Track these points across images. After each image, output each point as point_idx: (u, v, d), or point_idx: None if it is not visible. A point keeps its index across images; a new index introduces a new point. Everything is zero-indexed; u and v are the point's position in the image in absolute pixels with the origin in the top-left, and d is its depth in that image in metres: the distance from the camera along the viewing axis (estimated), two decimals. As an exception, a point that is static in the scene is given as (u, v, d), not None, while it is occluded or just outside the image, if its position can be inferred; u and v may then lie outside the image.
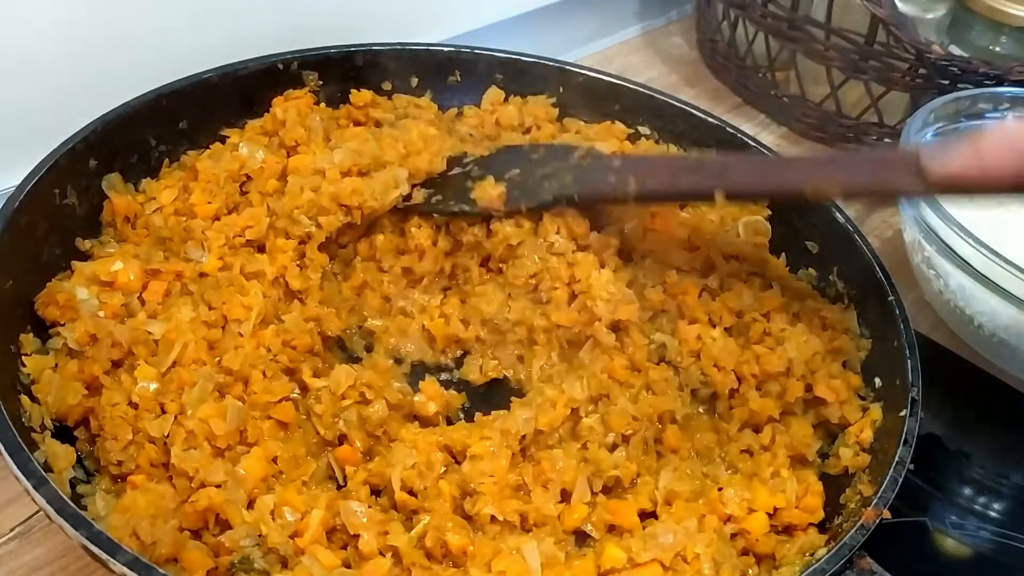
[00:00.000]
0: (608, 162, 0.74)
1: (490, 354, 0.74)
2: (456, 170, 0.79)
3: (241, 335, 0.64)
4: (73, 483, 0.57)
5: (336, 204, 0.72)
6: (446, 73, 0.88)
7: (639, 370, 0.70)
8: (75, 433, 0.60)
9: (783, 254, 0.79)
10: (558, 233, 0.73)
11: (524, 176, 0.76)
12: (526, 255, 0.73)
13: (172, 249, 0.69)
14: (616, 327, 0.71)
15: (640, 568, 0.55)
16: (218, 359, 0.63)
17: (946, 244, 0.75)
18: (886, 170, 0.63)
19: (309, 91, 0.81)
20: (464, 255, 0.76)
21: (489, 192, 0.73)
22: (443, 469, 0.62)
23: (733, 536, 0.59)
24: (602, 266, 0.73)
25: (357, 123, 0.82)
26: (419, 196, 0.76)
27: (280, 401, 0.63)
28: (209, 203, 0.71)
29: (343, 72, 0.84)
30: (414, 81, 0.87)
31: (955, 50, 1.01)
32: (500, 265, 0.75)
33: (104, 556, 0.47)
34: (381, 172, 0.74)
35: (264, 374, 0.63)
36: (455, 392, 0.71)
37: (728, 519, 0.59)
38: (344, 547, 0.57)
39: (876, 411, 0.65)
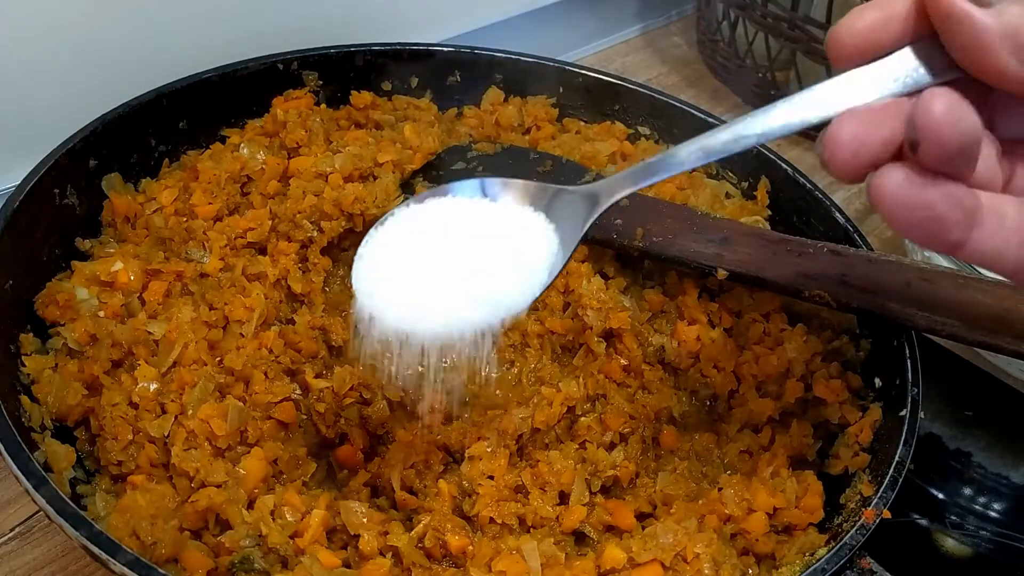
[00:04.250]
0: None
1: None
2: (459, 165, 0.80)
3: (243, 336, 0.65)
4: (73, 483, 0.57)
5: (338, 210, 0.72)
6: (446, 73, 0.88)
7: (634, 372, 0.70)
8: (75, 433, 0.60)
9: (783, 254, 0.79)
10: None
11: None
12: None
13: (173, 249, 0.70)
14: (609, 334, 0.71)
15: (640, 568, 0.55)
16: (219, 359, 0.63)
17: (946, 244, 0.75)
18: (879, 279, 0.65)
19: (309, 91, 0.82)
20: None
21: None
22: (442, 468, 0.62)
23: (733, 536, 0.59)
24: (600, 271, 0.73)
25: (358, 125, 0.82)
26: (422, 191, 0.76)
27: (281, 401, 0.63)
28: (210, 204, 0.71)
29: (343, 72, 0.84)
30: (414, 81, 0.87)
31: (955, 50, 1.01)
32: None
33: (104, 556, 0.47)
34: (382, 179, 0.74)
35: (266, 375, 0.63)
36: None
37: (728, 519, 0.59)
38: (344, 547, 0.57)
39: (876, 411, 0.65)
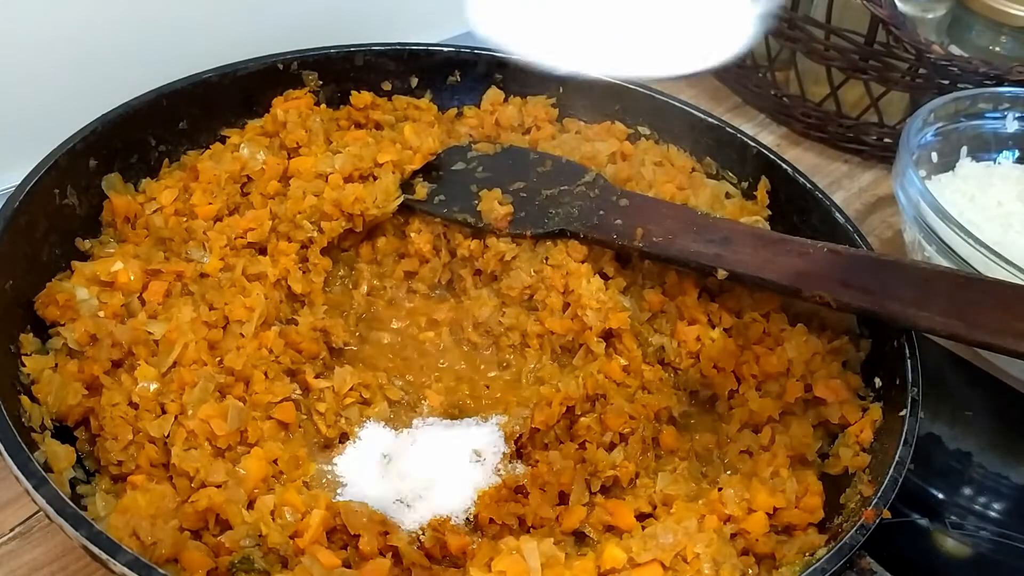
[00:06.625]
0: (615, 199, 0.75)
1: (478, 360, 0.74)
2: (459, 165, 0.80)
3: (243, 336, 0.65)
4: (73, 483, 0.57)
5: (338, 210, 0.72)
6: (446, 73, 0.88)
7: (634, 372, 0.70)
8: (75, 433, 0.60)
9: (783, 254, 0.79)
10: (555, 247, 0.73)
11: (530, 194, 0.76)
12: (521, 267, 0.73)
13: (173, 249, 0.70)
14: (609, 334, 0.71)
15: (640, 568, 0.55)
16: (219, 359, 0.63)
17: (946, 244, 0.75)
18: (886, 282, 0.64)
19: (309, 91, 0.82)
20: (457, 263, 0.76)
21: (496, 209, 0.74)
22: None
23: (733, 536, 0.59)
24: (600, 271, 0.73)
25: (358, 125, 0.82)
26: (422, 191, 0.77)
27: (281, 401, 0.63)
28: (210, 204, 0.71)
29: (343, 72, 0.84)
30: (414, 81, 0.87)
31: (955, 50, 1.01)
32: (494, 274, 0.75)
33: (104, 556, 0.47)
34: (382, 179, 0.74)
35: (266, 375, 0.63)
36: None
37: (728, 519, 0.59)
38: (344, 547, 0.57)
39: (876, 411, 0.65)
